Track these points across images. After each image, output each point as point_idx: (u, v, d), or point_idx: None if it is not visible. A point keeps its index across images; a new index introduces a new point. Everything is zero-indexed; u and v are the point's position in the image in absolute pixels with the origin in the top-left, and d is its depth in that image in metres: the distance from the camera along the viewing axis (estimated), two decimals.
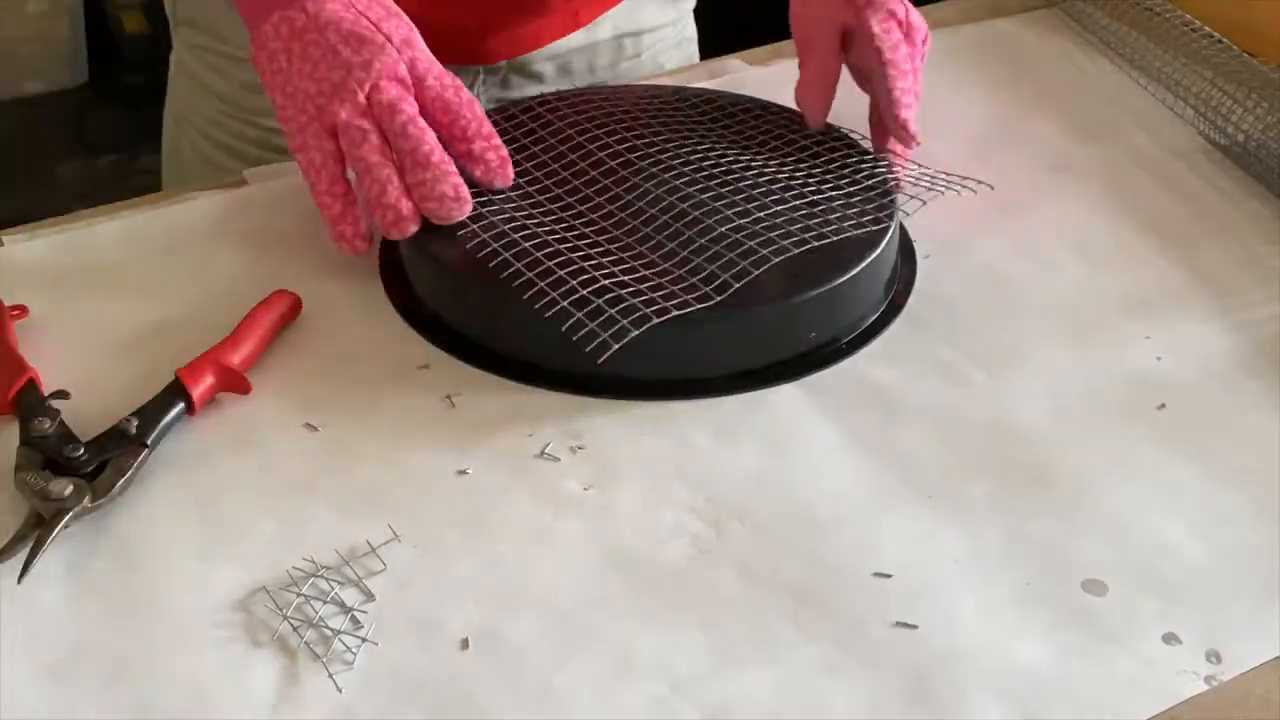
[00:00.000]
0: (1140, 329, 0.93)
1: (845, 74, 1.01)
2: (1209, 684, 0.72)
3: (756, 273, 0.86)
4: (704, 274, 0.86)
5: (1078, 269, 0.98)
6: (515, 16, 1.12)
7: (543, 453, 0.82)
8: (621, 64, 1.20)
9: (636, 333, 0.81)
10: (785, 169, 0.96)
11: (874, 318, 0.92)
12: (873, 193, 0.95)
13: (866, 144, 1.01)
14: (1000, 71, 1.18)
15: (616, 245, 0.89)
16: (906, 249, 0.98)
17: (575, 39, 1.16)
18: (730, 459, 0.83)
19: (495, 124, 0.92)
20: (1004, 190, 1.04)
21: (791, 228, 0.90)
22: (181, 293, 0.92)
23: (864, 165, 0.97)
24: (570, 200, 0.92)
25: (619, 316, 0.82)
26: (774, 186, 0.94)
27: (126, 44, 2.89)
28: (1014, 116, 1.13)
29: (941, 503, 0.80)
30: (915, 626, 0.73)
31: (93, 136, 2.78)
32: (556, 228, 0.89)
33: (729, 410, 0.86)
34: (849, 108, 1.02)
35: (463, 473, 0.81)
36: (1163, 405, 0.87)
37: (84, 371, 0.85)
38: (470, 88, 1.13)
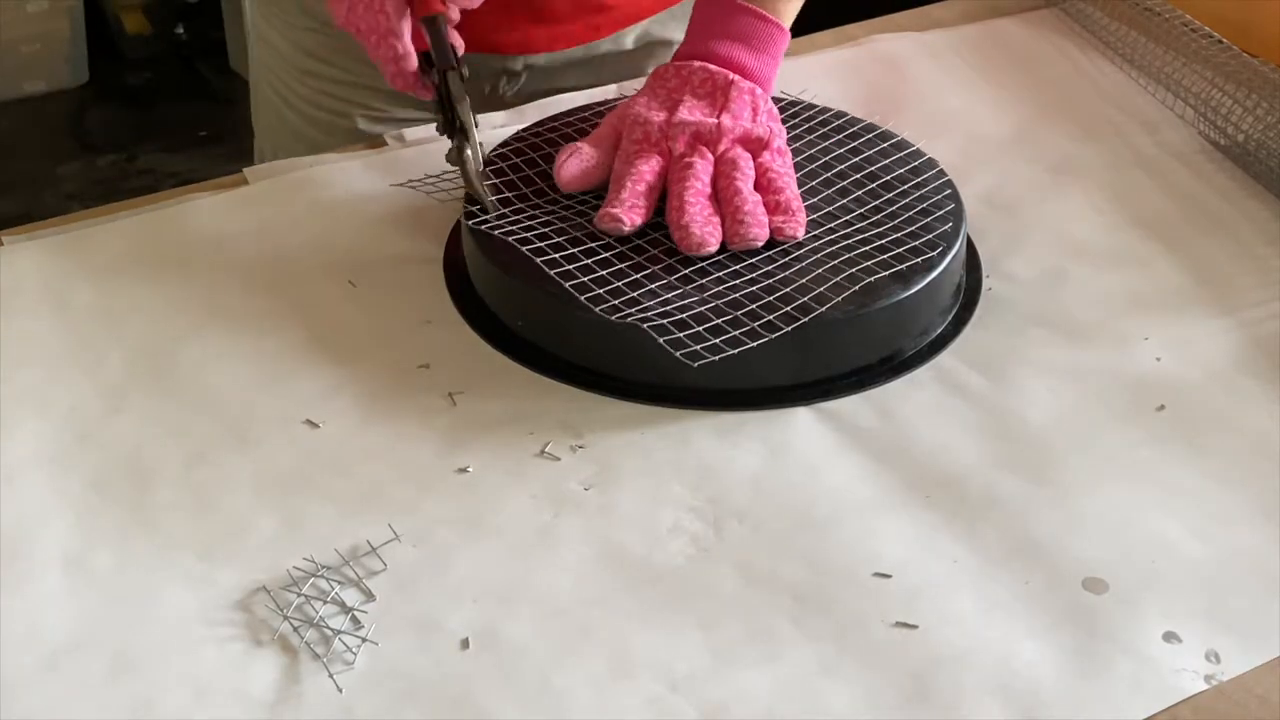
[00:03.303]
0: (1140, 329, 0.93)
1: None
2: (1209, 684, 0.71)
3: (820, 310, 0.85)
4: (762, 302, 0.86)
5: (1078, 269, 0.97)
6: (530, 23, 1.12)
7: (543, 452, 0.82)
8: (648, 68, 1.20)
9: (693, 364, 0.82)
10: (841, 182, 0.96)
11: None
12: (916, 215, 0.93)
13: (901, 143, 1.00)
14: (1000, 71, 1.18)
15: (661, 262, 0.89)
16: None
17: (603, 45, 1.16)
18: (730, 458, 0.83)
19: (569, 124, 1.00)
20: (1004, 190, 1.04)
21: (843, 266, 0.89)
22: (181, 292, 0.92)
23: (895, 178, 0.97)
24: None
25: (688, 341, 0.83)
26: (832, 208, 0.94)
27: (126, 44, 2.88)
28: (1014, 116, 1.13)
29: (941, 503, 0.80)
30: (915, 626, 0.73)
31: (93, 136, 2.78)
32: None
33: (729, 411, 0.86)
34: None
35: (463, 471, 0.81)
36: (1162, 406, 0.87)
37: (83, 371, 0.85)
38: (495, 89, 1.13)
